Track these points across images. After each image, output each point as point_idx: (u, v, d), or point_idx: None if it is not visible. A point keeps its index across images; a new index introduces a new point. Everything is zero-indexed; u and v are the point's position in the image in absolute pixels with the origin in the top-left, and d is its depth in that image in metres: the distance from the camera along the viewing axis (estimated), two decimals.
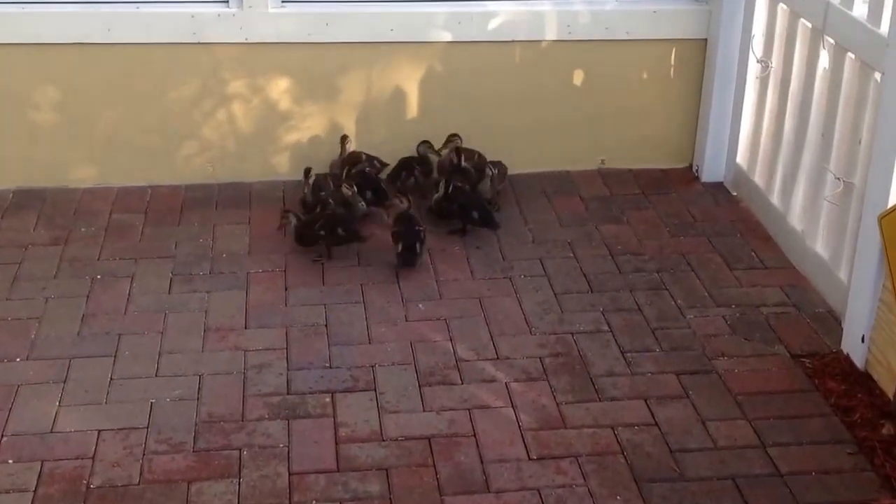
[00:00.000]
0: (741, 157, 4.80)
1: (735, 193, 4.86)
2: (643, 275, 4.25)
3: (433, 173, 4.73)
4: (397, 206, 4.37)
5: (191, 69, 4.66)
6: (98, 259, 4.29)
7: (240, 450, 3.29)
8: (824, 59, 4.00)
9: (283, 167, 4.86)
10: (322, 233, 4.27)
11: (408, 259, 4.24)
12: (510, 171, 4.85)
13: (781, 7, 4.32)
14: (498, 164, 4.73)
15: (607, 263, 4.33)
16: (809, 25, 4.09)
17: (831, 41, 3.92)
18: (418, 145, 4.72)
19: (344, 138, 4.72)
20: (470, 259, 4.35)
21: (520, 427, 3.41)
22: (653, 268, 4.30)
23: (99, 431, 3.35)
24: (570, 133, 4.98)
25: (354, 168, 4.64)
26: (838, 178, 3.90)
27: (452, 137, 4.68)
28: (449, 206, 4.50)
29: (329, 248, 4.31)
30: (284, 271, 4.23)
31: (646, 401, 3.53)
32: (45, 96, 4.65)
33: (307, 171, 4.55)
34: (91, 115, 4.71)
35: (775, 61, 4.43)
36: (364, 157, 4.75)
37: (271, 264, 4.28)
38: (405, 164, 4.74)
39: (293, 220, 4.32)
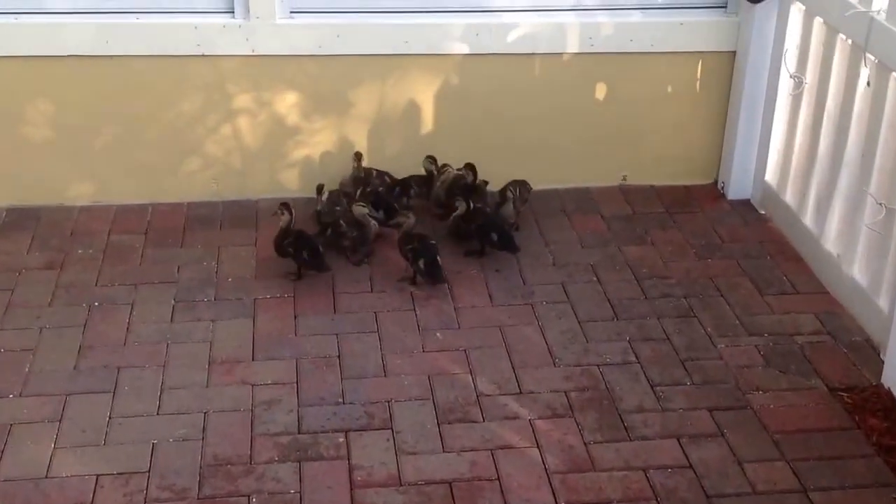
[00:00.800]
0: (770, 175, 4.60)
1: (763, 212, 4.67)
2: (670, 300, 4.06)
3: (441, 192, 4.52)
4: (407, 224, 4.15)
5: (194, 83, 4.47)
6: (96, 284, 4.08)
7: (248, 496, 3.10)
8: (865, 78, 3.79)
9: (291, 184, 4.66)
10: (290, 250, 4.11)
11: (435, 273, 4.07)
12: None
13: (818, 21, 4.11)
14: (521, 184, 4.53)
15: (632, 288, 4.14)
16: (849, 41, 3.88)
17: (873, 59, 3.71)
18: (423, 160, 4.53)
19: (357, 156, 4.52)
20: (489, 283, 4.15)
21: (546, 470, 3.22)
22: (680, 293, 4.11)
23: (97, 476, 3.15)
24: (591, 148, 4.80)
25: (368, 187, 4.44)
26: (880, 204, 3.70)
27: (443, 169, 4.48)
28: (466, 227, 4.30)
29: (299, 268, 4.14)
30: (293, 297, 4.03)
31: (678, 440, 3.35)
32: (39, 111, 4.46)
33: (320, 189, 4.36)
34: (88, 131, 4.52)
35: (810, 77, 4.22)
36: (374, 173, 4.56)
37: (279, 289, 4.07)
38: (402, 182, 4.55)
39: (283, 220, 4.13)
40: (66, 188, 4.58)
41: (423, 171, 4.58)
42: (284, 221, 4.12)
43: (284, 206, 4.14)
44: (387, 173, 4.58)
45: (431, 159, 4.52)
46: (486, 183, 4.52)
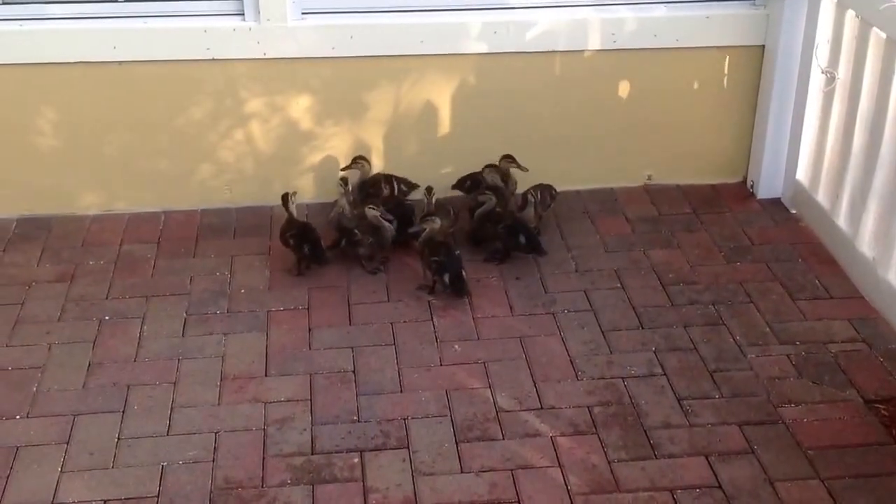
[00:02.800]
0: (802, 174, 4.44)
1: (794, 212, 4.51)
2: (698, 307, 3.91)
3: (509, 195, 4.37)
4: (431, 228, 4.01)
5: (205, 87, 4.36)
6: (106, 298, 3.99)
7: None
8: None
9: (306, 190, 4.54)
10: (291, 242, 4.07)
11: (460, 288, 3.94)
12: None
13: (850, 14, 3.94)
14: (543, 189, 4.38)
15: (658, 295, 3.99)
16: (884, 36, 3.70)
17: None
18: (500, 160, 4.36)
19: (358, 160, 4.39)
20: (509, 291, 4.02)
21: (568, 491, 3.10)
22: (708, 299, 3.96)
23: (104, 501, 3.06)
24: (615, 147, 4.65)
25: (379, 192, 4.32)
26: None
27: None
28: (493, 228, 4.17)
29: (299, 262, 4.09)
30: (307, 309, 3.92)
31: (707, 458, 3.22)
32: (48, 119, 4.36)
33: (344, 180, 4.26)
34: (98, 138, 4.42)
35: (842, 73, 4.05)
36: (382, 178, 4.42)
37: (293, 301, 3.96)
38: (471, 176, 4.39)
39: (291, 207, 4.13)
40: (78, 197, 4.50)
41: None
42: (291, 209, 4.12)
43: (290, 193, 4.14)
44: (404, 180, 4.44)
45: (510, 159, 4.36)
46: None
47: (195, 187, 4.53)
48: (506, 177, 4.38)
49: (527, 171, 4.35)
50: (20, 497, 3.07)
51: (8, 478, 3.14)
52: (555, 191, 4.44)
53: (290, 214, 4.14)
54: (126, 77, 4.30)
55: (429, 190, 4.24)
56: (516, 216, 4.22)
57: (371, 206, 4.13)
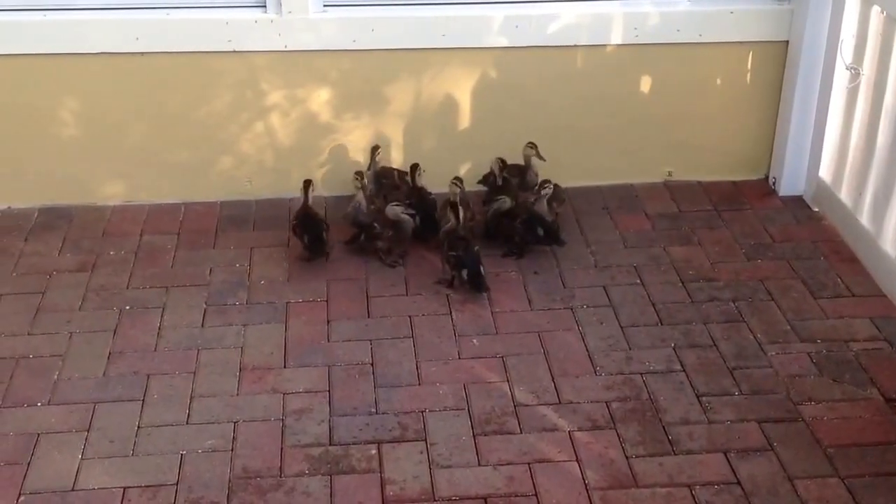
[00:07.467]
0: (825, 171, 4.41)
1: (817, 209, 4.48)
2: (718, 304, 3.89)
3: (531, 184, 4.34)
4: (451, 224, 4.00)
5: (226, 79, 4.37)
6: (127, 288, 4.01)
7: None
8: None
9: (324, 183, 4.54)
10: (296, 230, 4.14)
11: (479, 284, 3.93)
12: (570, 184, 4.54)
13: (876, 10, 3.91)
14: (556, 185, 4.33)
15: (678, 291, 3.98)
16: None
17: None
18: (524, 148, 4.35)
19: (374, 150, 4.39)
20: (527, 286, 4.01)
21: (586, 486, 3.09)
22: (728, 296, 3.94)
23: (124, 489, 3.08)
24: (636, 143, 4.63)
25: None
26: None
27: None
28: (510, 224, 4.16)
29: (308, 250, 4.11)
30: (326, 301, 3.93)
31: (725, 454, 3.21)
32: (70, 110, 4.39)
33: (374, 148, 4.30)
34: (120, 130, 4.44)
35: (867, 69, 4.02)
36: (396, 173, 4.42)
37: (312, 293, 3.97)
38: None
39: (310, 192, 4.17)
40: (99, 188, 4.52)
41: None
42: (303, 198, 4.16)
43: (307, 182, 4.18)
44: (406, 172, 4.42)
45: (532, 145, 4.35)
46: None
47: (215, 179, 4.54)
48: (526, 164, 4.37)
49: (545, 161, 4.33)
50: (41, 483, 3.09)
51: (29, 464, 3.16)
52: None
53: (305, 201, 4.15)
54: (148, 68, 4.32)
55: (458, 180, 4.18)
56: (532, 209, 4.21)
57: (394, 202, 4.13)
